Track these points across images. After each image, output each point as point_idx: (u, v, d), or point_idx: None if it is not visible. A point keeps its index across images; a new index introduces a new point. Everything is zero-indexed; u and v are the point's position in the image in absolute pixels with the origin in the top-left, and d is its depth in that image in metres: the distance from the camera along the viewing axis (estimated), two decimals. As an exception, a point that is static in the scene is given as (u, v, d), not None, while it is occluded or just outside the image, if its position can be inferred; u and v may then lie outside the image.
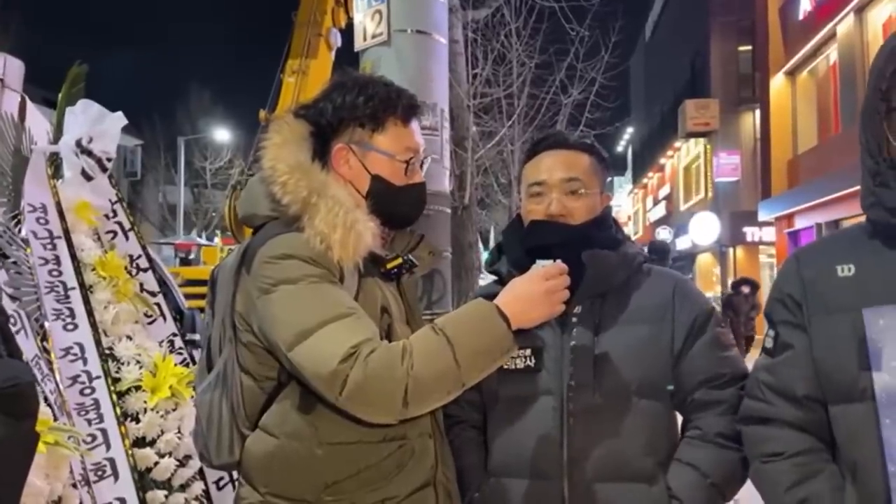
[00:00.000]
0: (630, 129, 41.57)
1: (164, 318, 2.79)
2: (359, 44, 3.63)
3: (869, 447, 1.33)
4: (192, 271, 14.27)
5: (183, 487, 2.47)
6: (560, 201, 1.78)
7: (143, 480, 2.33)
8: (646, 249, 1.93)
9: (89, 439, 2.23)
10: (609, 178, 2.05)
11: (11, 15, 21.06)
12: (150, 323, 2.75)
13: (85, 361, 2.35)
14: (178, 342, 2.79)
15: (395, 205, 1.67)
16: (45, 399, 2.15)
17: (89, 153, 2.66)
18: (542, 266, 1.55)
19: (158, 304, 2.80)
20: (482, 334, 1.46)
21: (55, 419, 2.10)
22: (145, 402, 2.43)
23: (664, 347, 1.75)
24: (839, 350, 1.39)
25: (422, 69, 3.48)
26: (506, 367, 1.63)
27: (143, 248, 2.86)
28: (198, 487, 2.52)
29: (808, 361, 1.46)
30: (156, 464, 2.38)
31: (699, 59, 26.64)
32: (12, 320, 2.24)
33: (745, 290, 14.25)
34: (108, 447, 2.26)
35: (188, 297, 5.25)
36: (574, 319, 1.75)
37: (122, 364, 2.45)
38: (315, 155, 1.63)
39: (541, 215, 1.79)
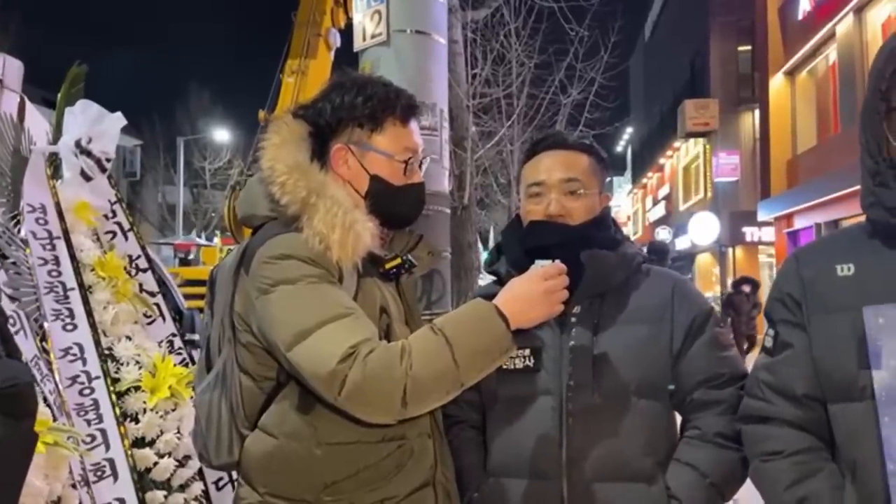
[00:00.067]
0: (629, 129, 41.58)
1: (164, 319, 2.79)
2: (358, 44, 3.63)
3: (868, 446, 1.34)
4: (191, 271, 14.27)
5: (182, 488, 2.47)
6: (559, 201, 1.78)
7: (143, 481, 2.33)
8: (645, 250, 1.93)
9: (88, 439, 2.23)
10: (608, 178, 2.05)
11: (11, 15, 21.06)
12: (149, 323, 2.75)
13: (84, 362, 2.35)
14: (178, 342, 2.79)
15: (394, 205, 1.67)
16: (45, 399, 2.15)
17: (88, 153, 2.66)
18: (541, 266, 1.55)
19: (158, 305, 2.80)
20: (481, 334, 1.46)
21: (54, 419, 2.10)
22: (145, 402, 2.43)
23: (663, 347, 1.75)
24: (838, 349, 1.40)
25: (421, 69, 3.48)
26: (505, 367, 1.63)
27: (143, 248, 2.86)
28: (197, 488, 2.52)
29: (807, 360, 1.46)
30: (155, 464, 2.38)
31: (698, 59, 26.64)
32: (11, 321, 2.24)
33: (746, 289, 14.24)
34: (108, 447, 2.26)
35: (187, 297, 5.26)
36: (573, 319, 1.75)
37: (122, 364, 2.45)
38: (314, 155, 1.63)
39: (540, 215, 1.79)
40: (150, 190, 34.76)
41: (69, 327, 2.38)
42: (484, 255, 8.70)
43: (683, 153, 30.61)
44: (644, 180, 39.90)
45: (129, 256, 2.79)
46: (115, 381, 2.40)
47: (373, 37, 3.52)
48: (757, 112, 21.92)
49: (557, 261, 1.56)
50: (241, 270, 1.56)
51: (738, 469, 1.67)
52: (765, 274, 21.72)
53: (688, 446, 1.73)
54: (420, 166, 1.73)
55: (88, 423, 2.27)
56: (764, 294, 12.60)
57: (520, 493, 1.72)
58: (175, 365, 2.56)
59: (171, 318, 2.83)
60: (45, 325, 2.36)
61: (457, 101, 7.61)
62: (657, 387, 1.74)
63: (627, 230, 39.60)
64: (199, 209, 34.78)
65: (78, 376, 2.32)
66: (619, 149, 47.11)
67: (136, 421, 2.40)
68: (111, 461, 2.25)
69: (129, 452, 2.28)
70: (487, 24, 10.15)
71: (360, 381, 1.38)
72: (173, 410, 2.49)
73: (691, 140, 27.76)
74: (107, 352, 2.43)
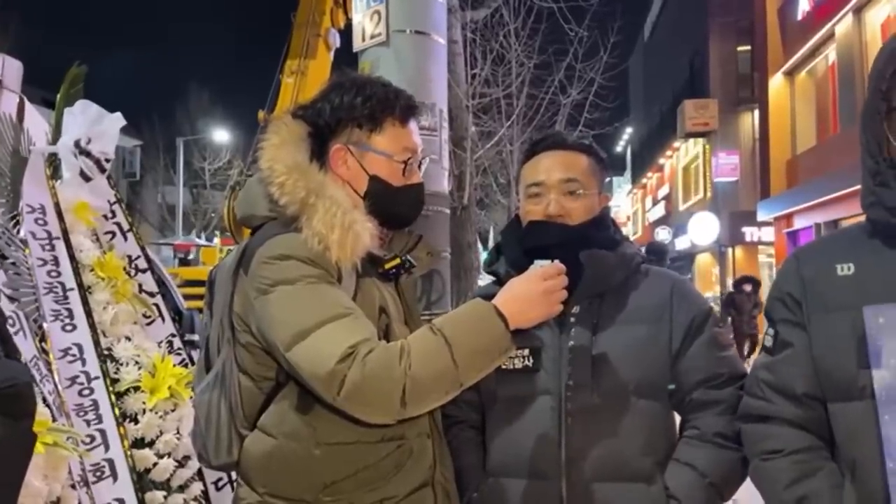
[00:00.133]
0: (629, 130, 41.55)
1: (163, 319, 2.80)
2: (357, 44, 3.63)
3: (868, 445, 1.34)
4: (190, 272, 14.27)
5: (182, 488, 2.47)
6: (558, 202, 1.78)
7: (142, 481, 2.33)
8: (643, 250, 1.92)
9: (88, 440, 2.23)
10: (608, 179, 2.06)
11: (10, 15, 21.05)
12: (148, 323, 2.75)
13: (83, 362, 2.35)
14: (177, 343, 2.79)
15: (394, 205, 1.67)
16: (44, 400, 2.16)
17: (88, 154, 2.66)
18: (540, 266, 1.55)
19: (157, 305, 2.80)
20: (480, 334, 1.46)
21: (54, 420, 2.10)
22: (144, 402, 2.43)
23: (662, 347, 1.75)
24: (838, 348, 1.40)
25: (420, 69, 3.48)
26: (504, 367, 1.63)
27: (142, 248, 2.86)
28: (196, 488, 2.52)
29: (807, 360, 1.46)
30: (155, 464, 2.38)
31: (698, 60, 26.64)
32: (11, 321, 2.25)
33: (748, 288, 14.24)
34: (107, 448, 2.26)
35: (187, 297, 5.27)
36: (572, 319, 1.75)
37: (121, 365, 2.45)
38: (313, 155, 1.63)
39: (539, 216, 1.79)
40: (150, 190, 34.76)
41: (68, 328, 2.38)
42: (483, 256, 8.70)
43: (683, 153, 30.61)
44: (644, 180, 39.89)
45: (129, 257, 2.79)
46: (115, 381, 2.40)
47: (372, 37, 3.52)
48: (756, 112, 21.92)
49: (556, 261, 1.56)
50: (240, 271, 1.57)
51: (737, 469, 1.67)
52: (764, 274, 21.71)
53: (687, 446, 1.73)
54: (419, 167, 1.73)
55: (88, 423, 2.27)
56: (764, 294, 12.58)
57: (519, 493, 1.72)
58: (174, 365, 2.56)
59: (171, 318, 2.83)
60: (45, 325, 2.36)
61: (456, 102, 7.62)
62: (656, 387, 1.74)
63: (627, 230, 39.75)
64: (198, 209, 34.78)
65: (77, 377, 2.32)
66: (618, 149, 47.09)
67: (136, 421, 2.40)
68: (110, 461, 2.25)
69: (129, 453, 2.28)
70: (487, 24, 10.16)
71: (359, 381, 1.38)
72: (173, 411, 2.49)
73: (691, 140, 27.76)
74: (106, 352, 2.43)
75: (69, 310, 2.41)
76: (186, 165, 31.07)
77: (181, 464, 2.47)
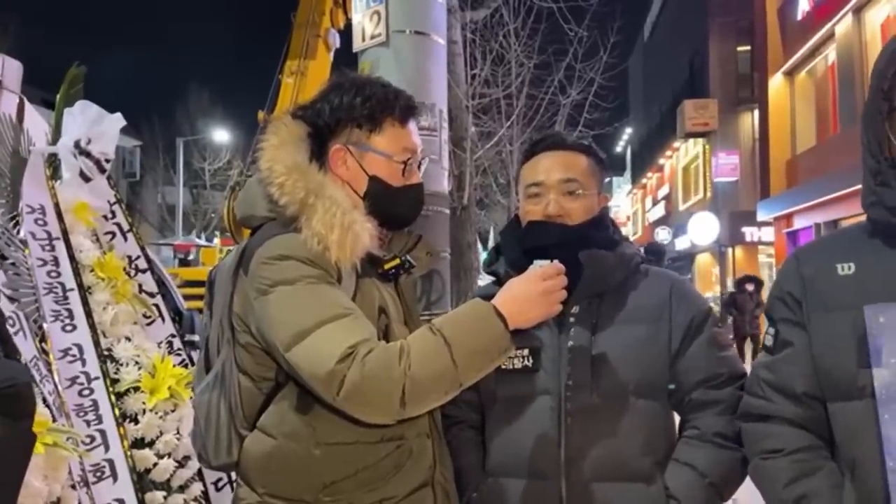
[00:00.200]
0: (629, 130, 41.56)
1: (163, 319, 2.80)
2: (357, 44, 3.63)
3: (868, 444, 1.34)
4: (190, 272, 14.26)
5: (182, 488, 2.47)
6: (557, 202, 1.78)
7: (142, 481, 2.33)
8: (642, 250, 1.93)
9: (88, 440, 2.23)
10: (608, 179, 2.06)
11: (10, 16, 21.05)
12: (148, 324, 2.75)
13: (83, 362, 2.35)
14: (177, 343, 2.79)
15: (393, 205, 1.67)
16: (44, 400, 2.16)
17: (88, 154, 2.66)
18: (540, 266, 1.55)
19: (157, 305, 2.80)
20: (480, 334, 1.46)
21: (54, 420, 2.10)
22: (144, 403, 2.43)
23: (661, 347, 1.75)
24: (838, 348, 1.40)
25: (420, 70, 3.48)
26: (503, 367, 1.63)
27: (142, 248, 2.86)
28: (196, 488, 2.52)
29: (807, 359, 1.47)
30: (155, 465, 2.38)
31: (698, 60, 26.64)
32: (11, 321, 2.25)
33: (750, 287, 14.22)
34: (107, 448, 2.26)
35: (187, 297, 5.26)
36: (571, 319, 1.75)
37: (121, 365, 2.45)
38: (313, 156, 1.63)
39: (538, 216, 1.79)
40: (150, 191, 34.76)
41: (68, 328, 2.38)
42: (483, 256, 8.70)
43: (683, 153, 30.61)
44: (643, 180, 39.89)
45: (129, 257, 2.79)
46: (115, 381, 2.40)
47: (372, 37, 3.52)
48: (756, 112, 21.92)
49: (556, 261, 1.56)
50: (239, 271, 1.57)
51: (736, 469, 1.67)
52: (764, 274, 21.69)
53: (686, 446, 1.73)
54: (419, 167, 1.73)
55: (88, 423, 2.27)
56: (765, 294, 12.58)
57: (518, 492, 1.72)
58: (174, 366, 2.56)
59: (171, 318, 2.83)
60: (45, 325, 2.36)
61: (456, 102, 7.62)
62: (656, 387, 1.74)
63: (627, 230, 39.74)
64: (198, 210, 34.78)
65: (77, 377, 2.32)
66: (618, 149, 47.09)
67: (136, 422, 2.40)
68: (110, 462, 2.25)
69: (129, 453, 2.29)
70: (487, 24, 10.16)
71: (358, 381, 1.38)
72: (173, 411, 2.49)
73: (691, 140, 27.76)
74: (106, 352, 2.43)
75: (69, 310, 2.41)
76: (186, 166, 31.07)
77: (181, 464, 2.47)
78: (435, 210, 3.45)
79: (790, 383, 1.49)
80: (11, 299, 2.36)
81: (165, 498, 2.40)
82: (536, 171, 1.83)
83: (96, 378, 2.34)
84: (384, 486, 1.55)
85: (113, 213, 2.83)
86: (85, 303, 2.44)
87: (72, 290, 2.44)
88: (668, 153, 32.15)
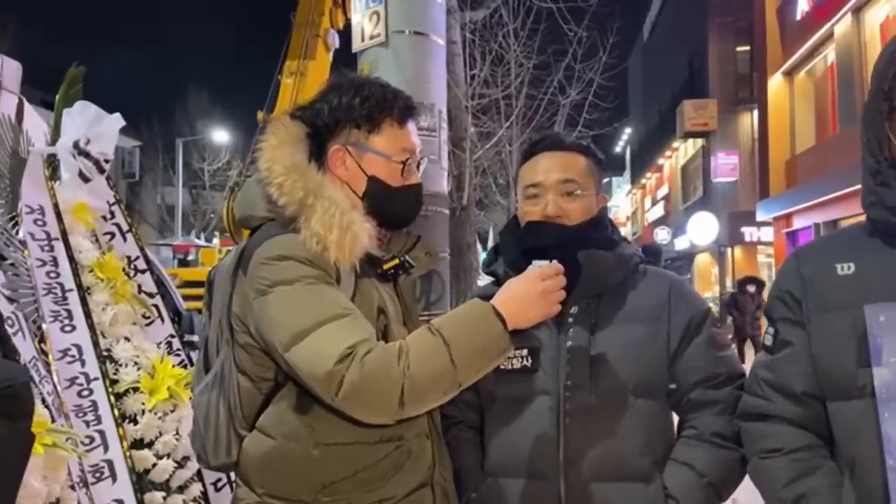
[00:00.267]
0: (628, 130, 41.56)
1: (162, 320, 2.79)
2: (356, 45, 3.64)
3: (867, 444, 1.34)
4: (190, 272, 14.27)
5: (181, 489, 2.47)
6: (556, 203, 1.78)
7: (142, 482, 2.33)
8: (640, 251, 1.93)
9: (87, 441, 2.23)
10: (607, 179, 2.06)
11: (10, 16, 21.03)
12: (147, 324, 2.75)
13: (83, 363, 2.35)
14: (176, 343, 2.79)
15: (392, 206, 1.67)
16: (43, 401, 2.15)
17: (87, 155, 2.66)
18: (539, 266, 1.55)
19: (156, 306, 2.80)
20: (479, 334, 1.46)
21: (53, 421, 2.10)
22: (143, 403, 2.43)
23: (660, 347, 1.75)
24: (838, 347, 1.40)
25: (419, 70, 3.48)
26: (502, 367, 1.63)
27: (141, 249, 2.86)
28: (196, 489, 2.52)
29: (807, 358, 1.47)
30: (154, 465, 2.38)
31: (697, 60, 26.66)
32: (10, 322, 2.25)
33: (751, 289, 14.22)
34: (107, 449, 2.26)
35: (186, 298, 5.26)
36: (570, 320, 1.75)
37: (120, 365, 2.45)
38: (311, 156, 1.63)
39: (537, 216, 1.79)
40: (149, 191, 34.75)
41: (68, 328, 2.38)
42: (483, 256, 8.71)
43: (682, 153, 30.62)
44: (643, 181, 39.89)
45: (128, 257, 2.79)
46: (114, 382, 2.40)
47: (371, 38, 3.52)
48: (755, 112, 21.92)
49: (555, 261, 1.56)
50: (238, 271, 1.57)
51: (735, 468, 1.67)
52: (763, 274, 21.72)
53: (685, 446, 1.73)
54: (418, 167, 1.73)
55: (87, 424, 2.27)
56: (764, 295, 12.59)
57: (517, 493, 1.72)
58: (174, 366, 2.56)
59: (170, 319, 2.83)
60: (44, 326, 2.36)
61: (455, 102, 7.63)
62: (654, 386, 1.74)
63: (626, 230, 39.74)
64: (197, 210, 34.77)
65: (76, 377, 2.32)
66: (617, 149, 47.08)
67: (135, 422, 2.40)
68: (110, 462, 2.25)
69: (128, 454, 2.28)
70: (486, 24, 10.17)
71: (357, 381, 1.38)
72: (172, 412, 2.49)
73: (690, 140, 27.78)
74: (105, 353, 2.43)
75: (68, 311, 2.41)
76: (186, 166, 31.06)
77: (180, 464, 2.47)
78: (434, 210, 3.45)
79: (790, 383, 1.49)
80: (10, 300, 2.36)
81: (165, 498, 2.40)
82: (535, 171, 1.83)
83: (95, 378, 2.34)
84: (383, 486, 1.55)
85: (112, 213, 2.83)
86: (84, 303, 2.44)
87: (71, 290, 2.44)
88: (668, 153, 32.16)
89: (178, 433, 2.46)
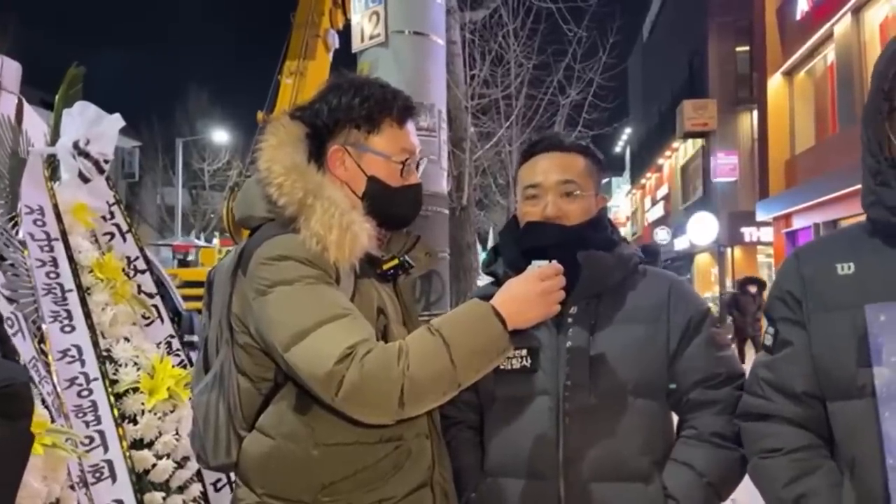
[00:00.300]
0: (628, 130, 41.55)
1: (162, 320, 2.79)
2: (356, 45, 3.64)
3: (868, 443, 1.34)
4: (189, 273, 14.28)
5: (181, 489, 2.47)
6: (555, 204, 1.78)
7: (141, 482, 2.33)
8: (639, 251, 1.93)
9: (87, 441, 2.23)
10: (607, 179, 2.06)
11: (10, 16, 21.02)
12: (147, 325, 2.75)
13: (83, 363, 2.35)
14: (176, 344, 2.79)
15: (392, 206, 1.67)
16: (43, 401, 2.15)
17: (87, 155, 2.66)
18: (538, 267, 1.55)
19: (156, 306, 2.80)
20: (478, 335, 1.46)
21: (53, 421, 2.10)
22: (143, 403, 2.43)
23: (660, 348, 1.75)
24: (838, 347, 1.41)
25: (419, 70, 3.49)
26: (502, 367, 1.63)
27: (141, 249, 2.86)
28: (196, 489, 2.52)
29: (807, 358, 1.47)
30: (154, 465, 2.38)
31: (697, 60, 26.67)
32: (9, 322, 2.25)
33: (752, 289, 14.20)
34: (106, 449, 2.26)
35: (186, 298, 5.26)
36: (570, 320, 1.75)
37: (120, 366, 2.45)
38: (311, 156, 1.63)
39: (536, 217, 1.79)
40: (149, 191, 34.75)
41: (67, 329, 2.38)
42: (482, 256, 8.70)
43: (682, 153, 30.63)
44: (643, 181, 39.89)
45: (128, 258, 2.79)
46: (114, 382, 2.40)
47: (371, 38, 3.53)
48: (755, 112, 21.93)
49: (554, 261, 1.56)
50: (238, 272, 1.56)
51: (734, 468, 1.67)
52: (763, 274, 21.73)
53: (684, 446, 1.73)
54: (417, 167, 1.73)
55: (87, 424, 2.27)
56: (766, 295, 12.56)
57: (517, 493, 1.72)
58: (173, 366, 2.56)
59: (170, 319, 2.83)
60: (44, 326, 2.36)
61: (455, 102, 7.64)
62: (654, 386, 1.74)
63: (626, 231, 39.73)
64: (197, 210, 34.77)
65: (76, 378, 2.32)
66: (617, 149, 47.05)
67: (135, 422, 2.40)
68: (110, 463, 2.25)
69: (128, 454, 2.28)
70: (486, 24, 10.18)
71: (357, 381, 1.38)
72: (172, 412, 2.49)
73: (690, 140, 27.78)
74: (105, 353, 2.43)
75: (68, 311, 2.41)
76: (185, 166, 31.06)
77: (180, 465, 2.47)
78: (434, 210, 3.45)
79: (790, 382, 1.49)
80: (10, 300, 2.36)
81: (164, 499, 2.40)
82: (534, 172, 1.83)
83: (95, 379, 2.34)
84: (383, 486, 1.55)
85: (112, 213, 2.83)
86: (84, 304, 2.44)
87: (70, 290, 2.44)
88: (668, 153, 32.17)
89: (177, 433, 2.46)
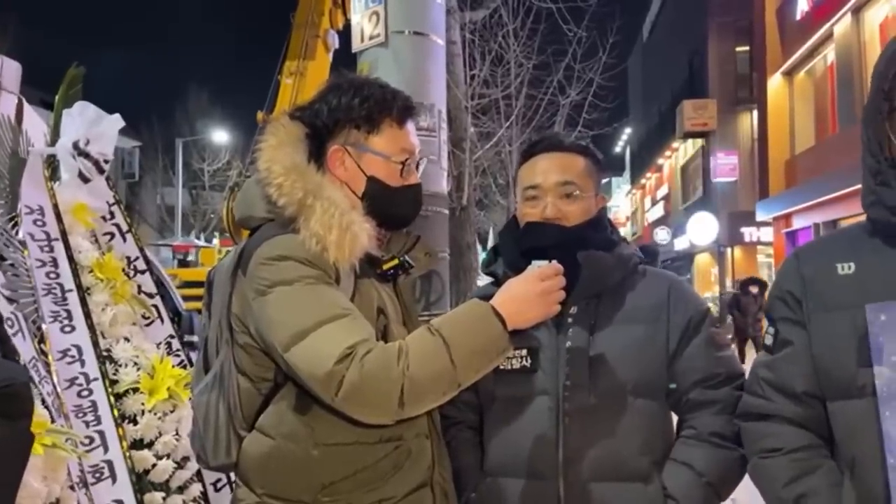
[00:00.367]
0: (628, 130, 41.56)
1: (162, 320, 2.79)
2: (356, 45, 3.64)
3: (868, 443, 1.34)
4: (189, 273, 14.28)
5: (181, 489, 2.47)
6: (555, 205, 1.78)
7: (141, 482, 2.33)
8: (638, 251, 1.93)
9: (87, 441, 2.23)
10: (607, 179, 2.06)
11: (10, 16, 21.03)
12: (147, 325, 2.75)
13: (83, 363, 2.35)
14: (176, 344, 2.79)
15: (391, 206, 1.67)
16: (43, 401, 2.15)
17: (86, 155, 2.66)
18: (538, 267, 1.55)
19: (156, 306, 2.80)
20: (478, 335, 1.46)
21: (53, 421, 2.10)
22: (143, 403, 2.43)
23: (659, 348, 1.75)
24: (838, 347, 1.41)
25: (419, 70, 3.49)
26: (502, 367, 1.63)
27: (141, 249, 2.86)
28: (196, 489, 2.52)
29: (807, 358, 1.47)
30: (154, 466, 2.38)
31: (697, 60, 26.67)
32: (9, 322, 2.25)
33: (754, 290, 14.19)
34: (106, 449, 2.26)
35: (186, 298, 5.26)
36: (570, 320, 1.75)
37: (120, 366, 2.45)
38: (311, 157, 1.63)
39: (536, 218, 1.79)
40: (149, 191, 34.74)
41: (67, 329, 2.38)
42: (482, 256, 8.70)
43: (682, 153, 30.63)
44: (643, 181, 39.89)
45: (128, 258, 2.79)
46: (114, 382, 2.40)
47: (371, 38, 3.53)
48: (755, 112, 21.95)
49: (554, 261, 1.56)
50: (238, 272, 1.57)
51: (734, 468, 1.67)
52: (763, 274, 21.74)
53: (684, 446, 1.73)
54: (417, 167, 1.73)
55: (87, 424, 2.27)
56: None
57: (517, 493, 1.72)
58: (173, 366, 2.56)
59: (170, 319, 2.83)
60: (44, 326, 2.36)
61: (455, 102, 7.64)
62: (654, 386, 1.74)
63: (626, 231, 39.74)
64: (197, 211, 34.77)
65: (76, 378, 2.32)
66: (617, 149, 47.03)
67: (135, 422, 2.40)
68: (109, 463, 2.25)
69: (128, 454, 2.28)
70: (486, 24, 10.18)
71: (357, 381, 1.38)
72: (172, 412, 2.49)
73: (690, 140, 27.78)
74: (105, 353, 2.43)
75: (68, 311, 2.41)
76: (185, 166, 31.06)
77: (180, 465, 2.47)
78: (434, 210, 3.45)
79: (790, 382, 1.49)
80: (10, 300, 2.36)
81: (164, 499, 2.40)
82: (534, 173, 1.83)
83: (95, 379, 2.34)
84: (383, 486, 1.55)
85: (112, 213, 2.83)
86: (84, 304, 2.44)
87: (70, 291, 2.44)
88: (668, 153, 32.17)
89: (177, 433, 2.46)
